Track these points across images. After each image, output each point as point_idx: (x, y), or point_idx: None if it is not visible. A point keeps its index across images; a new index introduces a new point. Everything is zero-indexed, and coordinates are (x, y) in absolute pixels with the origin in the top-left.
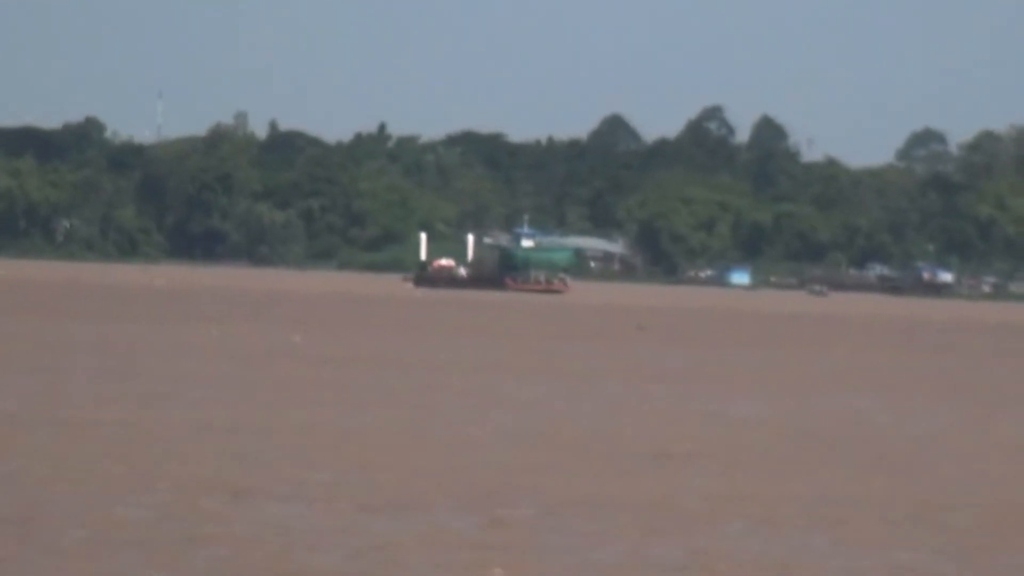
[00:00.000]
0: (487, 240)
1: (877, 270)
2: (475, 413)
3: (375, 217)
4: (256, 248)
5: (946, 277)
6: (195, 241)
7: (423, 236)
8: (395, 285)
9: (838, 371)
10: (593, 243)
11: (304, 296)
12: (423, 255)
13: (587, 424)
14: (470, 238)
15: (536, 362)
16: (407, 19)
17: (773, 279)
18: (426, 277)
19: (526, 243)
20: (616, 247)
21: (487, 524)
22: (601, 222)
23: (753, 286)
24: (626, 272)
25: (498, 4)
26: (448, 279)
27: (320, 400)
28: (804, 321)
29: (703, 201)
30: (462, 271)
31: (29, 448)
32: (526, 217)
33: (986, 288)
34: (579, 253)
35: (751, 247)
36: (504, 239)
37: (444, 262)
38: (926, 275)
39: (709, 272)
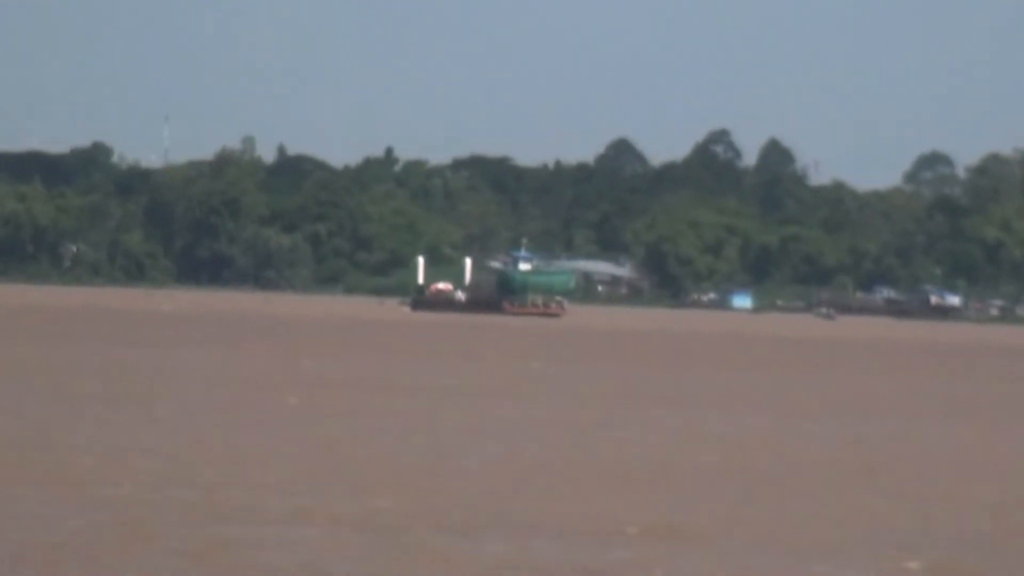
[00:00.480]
0: (493, 264)
1: (884, 293)
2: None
3: (382, 241)
4: (263, 272)
5: (953, 300)
6: (202, 265)
7: (420, 260)
8: (392, 310)
9: (835, 393)
10: (600, 267)
11: (292, 321)
12: (420, 279)
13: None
14: (468, 262)
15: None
16: (415, 44)
17: (780, 302)
18: (423, 301)
19: (524, 266)
20: (623, 271)
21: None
22: (608, 246)
23: (758, 309)
24: (633, 295)
25: (505, 29)
26: (446, 303)
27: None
28: (806, 344)
29: (710, 224)
30: (460, 295)
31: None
32: (524, 240)
33: (994, 311)
34: (587, 277)
35: (758, 270)
36: (502, 262)
37: (442, 286)
38: (933, 298)
39: (712, 296)
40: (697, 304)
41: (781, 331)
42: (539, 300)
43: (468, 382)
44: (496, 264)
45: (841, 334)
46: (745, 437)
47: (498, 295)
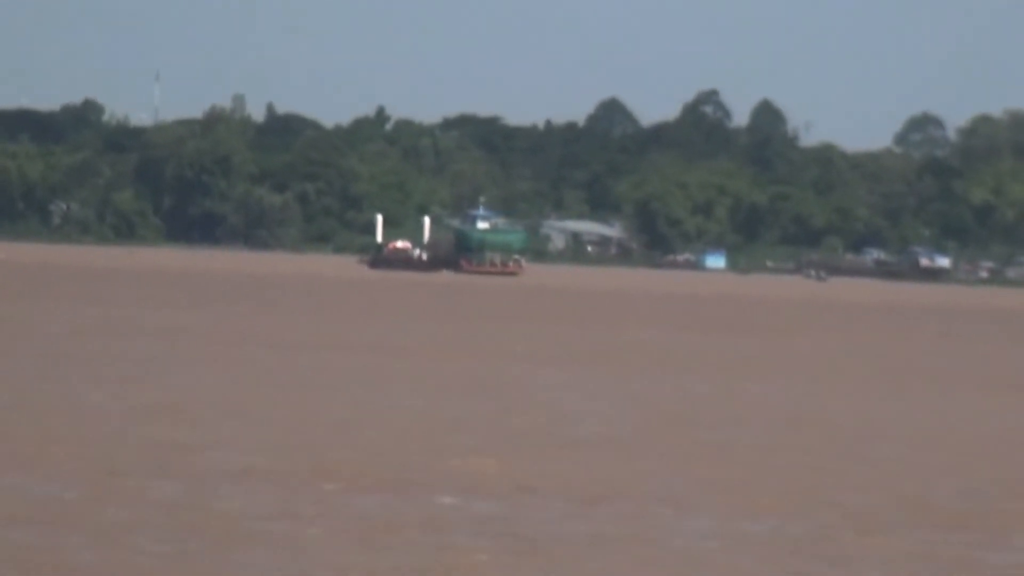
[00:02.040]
0: (451, 222)
1: (874, 255)
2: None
3: (372, 200)
4: (254, 231)
5: (943, 262)
6: (192, 224)
7: (379, 218)
8: (352, 267)
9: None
10: (590, 227)
11: (261, 278)
12: (379, 237)
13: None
14: (426, 220)
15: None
16: (407, 3)
17: (770, 263)
18: (382, 259)
19: (482, 225)
20: (613, 231)
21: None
22: (598, 206)
23: (744, 270)
24: (623, 256)
25: None
26: (404, 261)
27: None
28: (759, 304)
29: (700, 185)
30: (418, 253)
31: None
32: (482, 199)
33: (983, 273)
34: (577, 237)
35: (748, 231)
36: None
37: (400, 244)
38: (923, 260)
39: (688, 256)
40: (673, 264)
41: (748, 292)
42: (497, 259)
43: (392, 341)
44: (454, 223)
45: (805, 295)
46: (650, 395)
47: (456, 253)
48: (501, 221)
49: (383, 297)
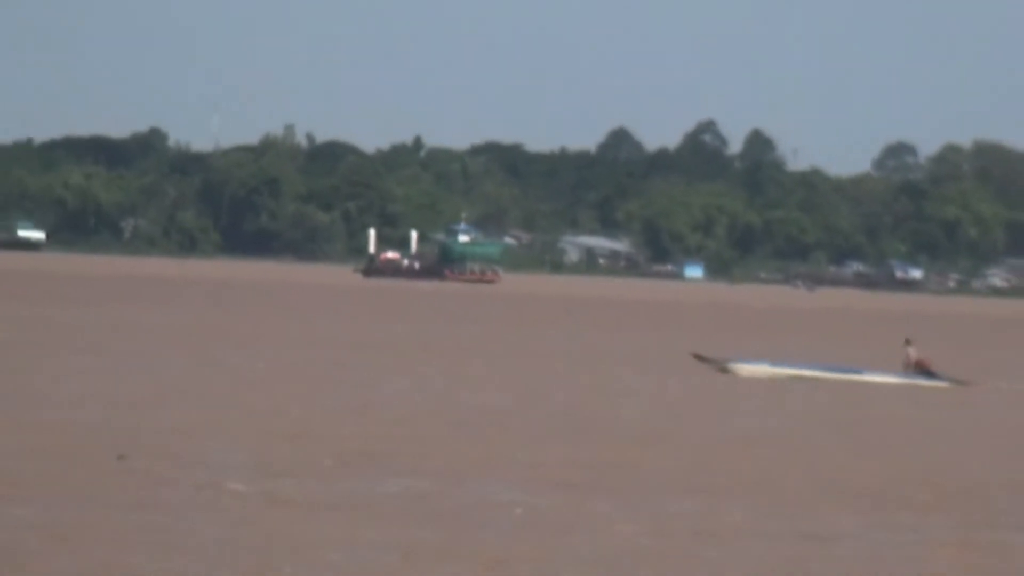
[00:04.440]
0: (436, 236)
1: (854, 267)
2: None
3: (406, 218)
4: (305, 245)
5: (916, 274)
6: (247, 239)
7: (371, 232)
8: (347, 276)
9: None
10: (601, 243)
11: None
12: (372, 248)
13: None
14: (413, 234)
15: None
16: (440, 42)
17: (763, 275)
18: (374, 268)
19: (463, 238)
20: (622, 246)
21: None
22: (608, 223)
23: (736, 281)
24: (630, 268)
25: (520, 31)
26: (394, 270)
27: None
28: (707, 309)
29: (700, 205)
30: (406, 263)
31: None
32: (464, 215)
33: (951, 284)
34: (590, 251)
35: (744, 247)
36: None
37: (390, 255)
38: (898, 272)
39: (670, 267)
40: (659, 274)
41: (716, 299)
42: (476, 268)
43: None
44: (438, 236)
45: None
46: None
47: (440, 264)
48: (480, 235)
49: (354, 302)
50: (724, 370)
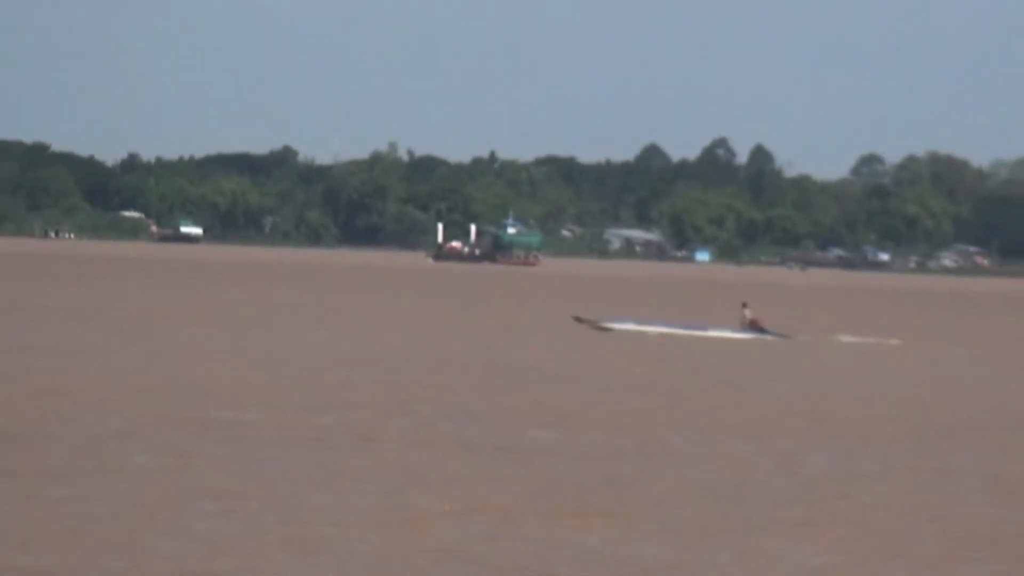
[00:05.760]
0: (489, 228)
1: (835, 252)
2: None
3: (484, 216)
4: (405, 237)
5: (884, 257)
6: (360, 233)
7: (440, 226)
8: (422, 260)
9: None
10: (638, 234)
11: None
12: (440, 239)
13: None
14: (472, 227)
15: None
16: (511, 78)
17: (763, 258)
18: (442, 254)
19: (510, 230)
20: (654, 236)
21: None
22: (644, 219)
23: (742, 264)
24: (660, 253)
25: (576, 70)
26: (457, 255)
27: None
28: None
29: (715, 205)
30: (466, 250)
31: None
32: (511, 212)
33: (912, 265)
34: (628, 240)
35: (748, 237)
36: (495, 227)
37: (454, 243)
38: (870, 256)
39: (684, 252)
40: (674, 258)
41: (693, 275)
42: (521, 253)
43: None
44: (491, 229)
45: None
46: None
47: (492, 250)
48: (523, 227)
49: (428, 280)
50: (600, 328)
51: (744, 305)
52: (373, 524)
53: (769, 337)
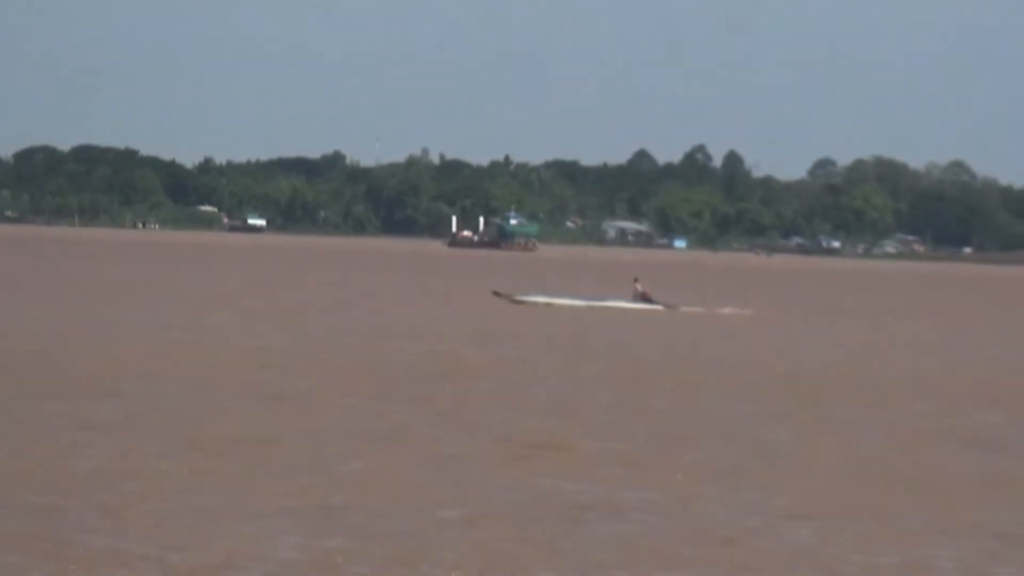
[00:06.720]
0: (495, 220)
1: (795, 240)
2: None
3: (501, 211)
4: (435, 227)
5: (836, 244)
6: (398, 224)
7: (454, 218)
8: (438, 247)
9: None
10: (631, 225)
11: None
12: (454, 228)
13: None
14: (481, 219)
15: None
16: (521, 93)
17: (735, 245)
18: (455, 242)
19: (513, 221)
20: (643, 227)
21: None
22: (636, 212)
23: (715, 250)
24: (649, 242)
25: (580, 85)
26: (468, 243)
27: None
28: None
29: (695, 201)
30: (475, 238)
31: None
32: (513, 206)
33: (860, 251)
34: (622, 231)
35: (723, 227)
36: (499, 219)
37: (466, 232)
38: (824, 244)
39: (664, 240)
40: (656, 246)
41: (666, 259)
42: (521, 241)
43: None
44: (496, 220)
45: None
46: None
47: (497, 238)
48: (524, 219)
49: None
50: (515, 301)
51: (635, 280)
52: None
53: (657, 306)
